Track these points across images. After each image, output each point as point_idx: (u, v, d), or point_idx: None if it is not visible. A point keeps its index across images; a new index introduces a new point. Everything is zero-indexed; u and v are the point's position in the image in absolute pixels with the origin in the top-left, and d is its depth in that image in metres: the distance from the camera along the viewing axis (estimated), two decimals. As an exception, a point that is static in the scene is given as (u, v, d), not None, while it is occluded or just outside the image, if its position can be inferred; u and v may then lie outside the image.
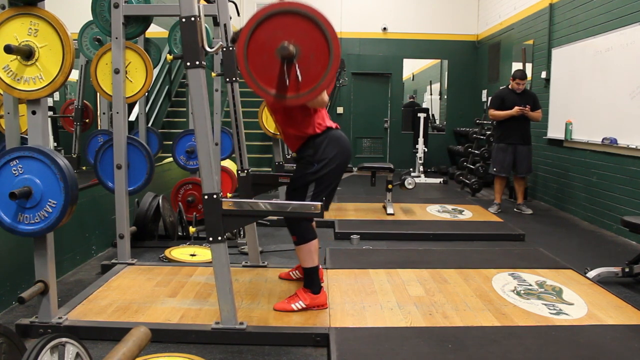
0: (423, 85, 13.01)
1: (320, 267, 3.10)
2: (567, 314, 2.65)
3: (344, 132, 2.74)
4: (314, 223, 2.84)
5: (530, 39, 6.86)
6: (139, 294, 2.83)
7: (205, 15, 2.36)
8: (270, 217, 4.48)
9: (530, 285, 3.09)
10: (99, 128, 5.06)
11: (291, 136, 2.66)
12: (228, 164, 5.09)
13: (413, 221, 4.97)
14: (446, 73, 10.20)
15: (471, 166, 7.40)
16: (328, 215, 3.16)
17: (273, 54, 2.14)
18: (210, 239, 2.30)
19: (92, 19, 3.45)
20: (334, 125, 2.69)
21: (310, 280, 2.65)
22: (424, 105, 11.83)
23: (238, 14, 4.09)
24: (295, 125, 2.60)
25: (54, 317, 2.40)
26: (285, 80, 2.16)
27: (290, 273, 3.10)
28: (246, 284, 3.02)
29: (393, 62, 9.65)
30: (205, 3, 3.55)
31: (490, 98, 6.41)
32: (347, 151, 2.66)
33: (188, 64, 2.21)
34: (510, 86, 5.68)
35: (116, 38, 3.22)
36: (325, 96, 2.49)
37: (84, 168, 5.13)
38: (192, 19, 2.18)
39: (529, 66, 6.87)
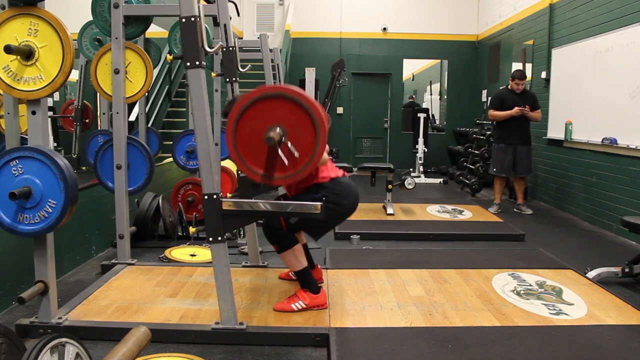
0: (423, 85, 13.00)
1: (319, 267, 3.11)
2: (567, 314, 2.65)
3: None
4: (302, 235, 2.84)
5: (530, 39, 6.86)
6: (139, 294, 2.83)
7: (205, 15, 2.36)
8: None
9: (530, 285, 3.09)
10: (99, 128, 5.05)
11: (292, 187, 2.65)
12: (228, 164, 5.09)
13: (413, 221, 4.97)
14: (446, 73, 10.20)
15: (471, 166, 7.40)
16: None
17: (262, 138, 2.18)
18: (210, 239, 2.30)
19: (92, 19, 3.45)
20: (340, 173, 2.67)
21: (305, 281, 2.66)
22: (424, 106, 11.82)
23: (238, 14, 4.09)
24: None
25: (54, 317, 2.40)
26: (274, 164, 2.22)
27: (290, 273, 3.10)
28: (246, 284, 3.02)
29: (393, 62, 9.65)
30: (205, 3, 3.55)
31: (490, 98, 6.41)
32: (355, 198, 2.63)
33: (188, 64, 2.21)
34: (509, 86, 5.69)
35: (116, 38, 3.22)
36: (325, 155, 2.47)
37: (84, 168, 5.13)
38: (192, 19, 2.18)
39: (529, 66, 6.87)
